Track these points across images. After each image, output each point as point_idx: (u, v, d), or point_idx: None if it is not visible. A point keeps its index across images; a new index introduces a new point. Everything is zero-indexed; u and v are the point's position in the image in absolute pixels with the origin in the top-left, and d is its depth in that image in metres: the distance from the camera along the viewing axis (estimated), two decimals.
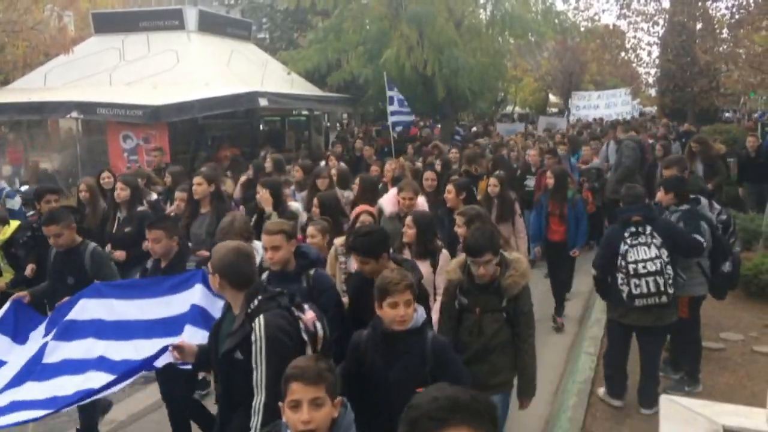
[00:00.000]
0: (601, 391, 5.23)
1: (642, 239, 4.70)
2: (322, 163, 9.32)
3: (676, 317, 4.89)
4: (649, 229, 4.73)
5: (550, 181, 6.92)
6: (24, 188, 9.79)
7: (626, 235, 4.75)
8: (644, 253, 4.66)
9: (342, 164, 8.97)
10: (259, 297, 2.95)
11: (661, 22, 21.24)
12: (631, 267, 4.66)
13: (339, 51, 15.19)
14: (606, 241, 5.03)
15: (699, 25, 20.50)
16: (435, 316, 4.27)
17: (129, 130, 11.76)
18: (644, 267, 4.63)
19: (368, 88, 16.16)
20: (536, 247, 7.30)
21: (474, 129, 21.31)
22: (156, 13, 15.12)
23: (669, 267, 4.66)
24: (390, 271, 3.25)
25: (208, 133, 14.66)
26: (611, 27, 23.81)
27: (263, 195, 5.85)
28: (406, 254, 4.51)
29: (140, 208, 6.18)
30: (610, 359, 5.11)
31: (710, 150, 8.76)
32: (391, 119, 12.62)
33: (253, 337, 2.85)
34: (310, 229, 4.79)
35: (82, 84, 13.22)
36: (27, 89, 13.35)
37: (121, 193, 6.04)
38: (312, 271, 3.76)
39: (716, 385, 5.35)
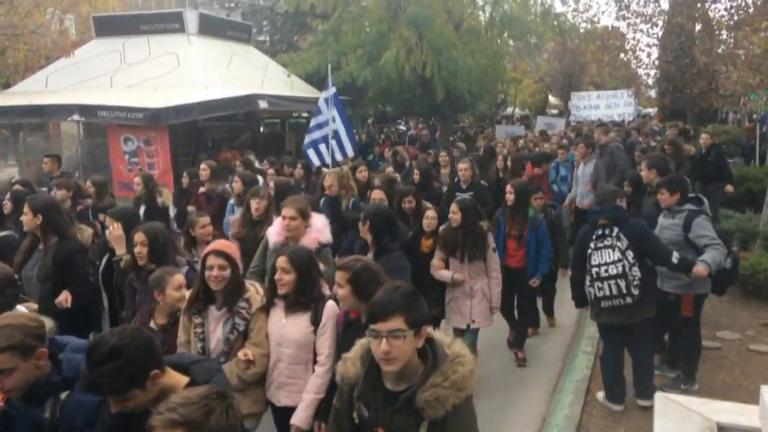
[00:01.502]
0: (600, 395, 5.26)
1: (607, 242, 4.76)
2: (261, 180, 8.05)
3: (652, 313, 4.93)
4: (615, 231, 4.76)
5: (510, 196, 6.03)
6: None
7: (593, 237, 4.81)
8: (607, 257, 4.72)
9: (279, 178, 7.85)
10: None
11: (660, 23, 21.26)
12: (594, 271, 4.77)
13: (338, 53, 15.25)
14: (578, 241, 5.13)
15: (698, 27, 20.53)
16: (303, 414, 3.40)
17: (130, 133, 11.81)
18: (606, 270, 4.71)
19: (368, 90, 16.22)
20: None
21: (458, 134, 21.12)
22: (157, 17, 15.16)
23: (635, 268, 4.69)
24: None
25: (208, 135, 14.70)
26: (610, 28, 23.84)
27: (114, 230, 4.60)
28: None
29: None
30: (606, 361, 5.14)
31: (681, 152, 8.82)
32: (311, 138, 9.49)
33: None
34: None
35: (83, 87, 13.27)
36: (28, 92, 13.41)
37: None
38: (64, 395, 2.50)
39: (712, 383, 5.39)
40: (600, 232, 4.80)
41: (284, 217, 4.55)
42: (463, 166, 7.90)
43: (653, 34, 21.77)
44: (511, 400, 5.47)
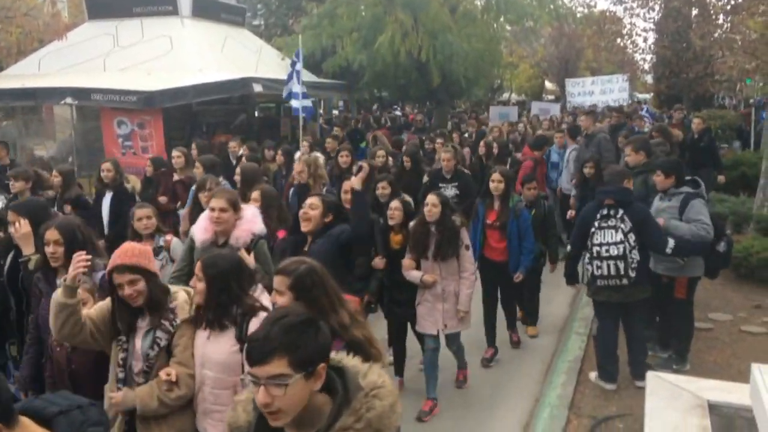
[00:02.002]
0: (593, 375, 5.30)
1: (611, 222, 4.80)
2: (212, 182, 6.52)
3: (648, 293, 4.99)
4: (620, 212, 4.80)
5: (500, 185, 5.61)
6: None
7: (598, 216, 4.84)
8: (610, 237, 4.77)
9: (246, 163, 7.08)
10: None
11: (656, 7, 21.20)
12: (595, 249, 4.81)
13: (333, 37, 15.17)
14: (581, 218, 5.17)
15: (695, 11, 20.47)
16: None
17: (123, 116, 11.72)
18: (607, 251, 4.77)
19: (363, 74, 16.15)
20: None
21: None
22: None
23: (635, 251, 4.75)
24: None
25: (202, 119, 14.62)
26: (607, 13, 23.73)
27: (19, 228, 3.91)
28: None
29: None
30: (600, 340, 5.17)
31: (670, 138, 8.78)
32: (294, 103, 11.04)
33: None
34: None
35: (76, 70, 13.16)
36: (21, 75, 13.29)
37: None
38: None
39: (703, 363, 5.44)
40: (605, 211, 4.84)
41: (213, 209, 4.07)
42: (445, 155, 7.46)
43: (650, 18, 21.71)
44: (505, 382, 5.50)
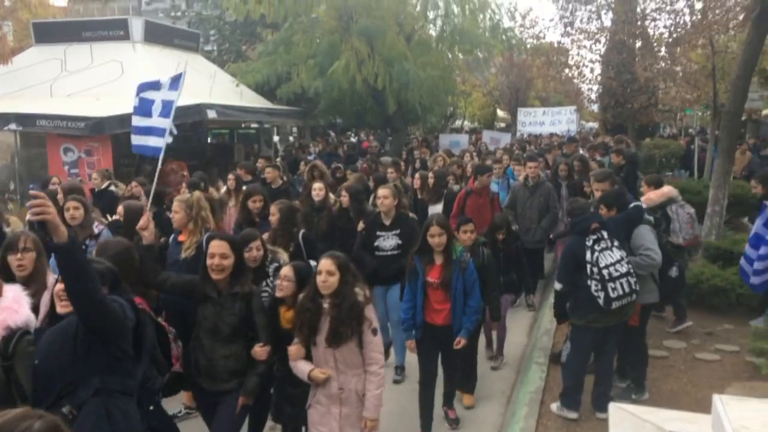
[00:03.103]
0: (554, 406, 5.25)
1: (603, 244, 4.85)
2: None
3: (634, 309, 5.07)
4: (606, 234, 4.87)
5: (440, 239, 4.64)
6: None
7: (589, 243, 4.86)
8: (611, 257, 4.82)
9: (130, 202, 6.30)
10: None
11: (602, 40, 21.91)
12: (605, 272, 4.77)
13: (289, 64, 15.13)
14: (568, 253, 5.08)
15: (639, 44, 21.27)
16: None
17: (70, 143, 11.37)
18: (616, 270, 4.79)
19: (319, 101, 16.13)
20: (410, 339, 4.88)
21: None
22: (100, 23, 14.74)
23: (631, 266, 4.87)
24: None
25: None
26: (556, 45, 24.45)
27: None
28: None
29: None
30: (574, 368, 5.13)
31: (589, 169, 8.98)
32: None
33: None
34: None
35: (21, 95, 12.75)
36: None
37: None
38: None
39: (661, 392, 5.48)
40: (595, 236, 4.87)
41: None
42: (383, 192, 5.86)
43: (596, 50, 22.43)
44: (466, 414, 5.42)
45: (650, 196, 6.43)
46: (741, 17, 14.32)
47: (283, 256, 4.78)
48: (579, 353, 5.09)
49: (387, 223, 5.86)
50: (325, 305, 3.64)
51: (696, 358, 6.13)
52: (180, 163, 12.60)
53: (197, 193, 5.56)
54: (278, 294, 3.94)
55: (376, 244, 5.81)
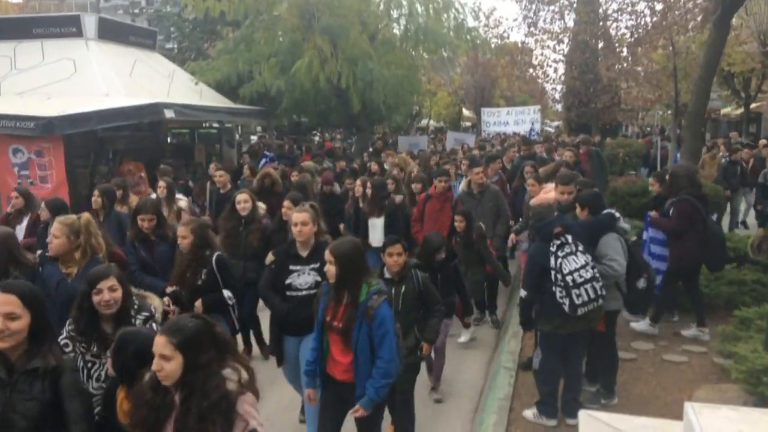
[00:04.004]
0: (529, 413, 5.11)
1: (567, 249, 4.70)
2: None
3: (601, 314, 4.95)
4: (570, 238, 4.74)
5: (331, 267, 3.64)
6: None
7: (553, 249, 4.72)
8: (575, 263, 4.67)
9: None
10: None
11: (566, 40, 22.16)
12: (569, 278, 4.63)
13: (250, 62, 14.76)
14: (532, 259, 4.95)
15: (601, 44, 21.52)
16: None
17: (19, 143, 10.84)
18: (580, 276, 4.65)
19: (281, 100, 15.81)
20: (309, 388, 3.99)
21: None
22: (51, 20, 14.14)
23: (596, 271, 4.74)
24: None
25: (109, 146, 13.80)
26: (520, 44, 24.60)
27: None
28: None
29: None
30: (548, 374, 5.01)
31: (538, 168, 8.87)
32: None
33: None
34: None
35: None
36: None
37: None
38: None
39: (630, 396, 5.39)
40: (558, 242, 4.71)
41: None
42: (299, 216, 4.50)
43: (560, 50, 22.66)
44: (434, 420, 5.25)
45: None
46: (699, 18, 14.53)
47: (155, 302, 3.66)
48: (550, 359, 4.95)
49: (303, 254, 4.54)
50: (170, 400, 2.56)
51: (664, 360, 6.07)
52: (137, 164, 12.17)
53: (86, 216, 4.46)
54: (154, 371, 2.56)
55: (288, 281, 4.54)
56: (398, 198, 7.76)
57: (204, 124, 17.81)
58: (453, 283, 5.62)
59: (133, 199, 7.43)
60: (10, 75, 12.79)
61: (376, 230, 7.47)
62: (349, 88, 14.66)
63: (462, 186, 8.09)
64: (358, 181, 7.86)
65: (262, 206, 6.69)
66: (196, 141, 17.52)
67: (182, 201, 7.89)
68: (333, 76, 14.34)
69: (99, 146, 13.43)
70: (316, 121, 20.38)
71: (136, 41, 15.10)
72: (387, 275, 4.58)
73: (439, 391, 5.77)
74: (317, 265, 4.44)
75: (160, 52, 17.47)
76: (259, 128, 26.03)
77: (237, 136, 20.10)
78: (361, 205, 7.70)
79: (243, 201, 6.27)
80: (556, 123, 38.83)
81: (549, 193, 6.35)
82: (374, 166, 10.46)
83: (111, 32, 14.05)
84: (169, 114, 11.83)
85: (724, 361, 5.62)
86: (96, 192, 6.77)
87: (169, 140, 17.47)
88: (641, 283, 5.17)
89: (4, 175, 10.86)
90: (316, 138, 26.81)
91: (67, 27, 13.49)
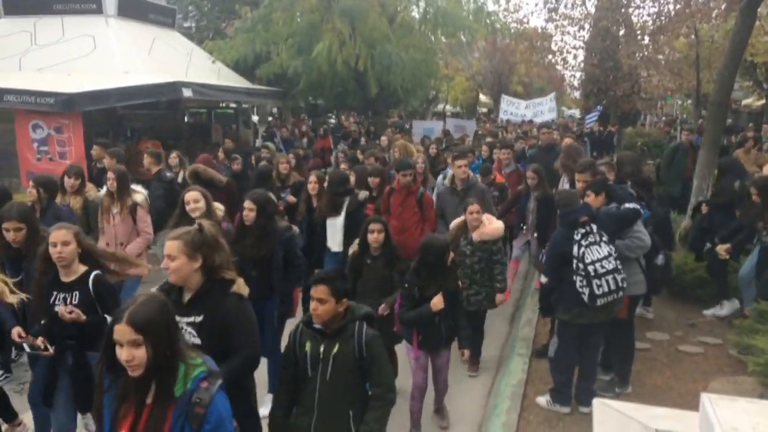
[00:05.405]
0: (542, 400, 5.12)
1: (591, 239, 4.68)
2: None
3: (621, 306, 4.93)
4: (595, 227, 4.71)
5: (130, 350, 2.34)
6: None
7: (577, 237, 4.69)
8: (598, 253, 4.65)
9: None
10: None
11: (586, 26, 21.86)
12: (590, 268, 4.61)
13: (268, 42, 14.74)
14: (554, 246, 4.91)
15: (622, 31, 21.21)
16: None
17: (39, 119, 10.92)
18: (602, 266, 4.63)
19: (298, 81, 15.78)
20: None
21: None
22: None
23: (619, 262, 4.71)
24: None
25: (127, 124, 13.88)
26: (539, 30, 24.31)
27: None
28: None
29: None
30: (563, 363, 5.00)
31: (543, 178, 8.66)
32: None
33: None
34: None
35: None
36: None
37: None
38: None
39: (645, 386, 5.39)
40: (583, 230, 4.70)
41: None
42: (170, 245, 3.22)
43: (580, 36, 22.37)
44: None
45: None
46: (723, 6, 14.27)
47: None
48: (566, 349, 4.95)
49: (184, 300, 3.04)
50: None
51: (679, 351, 6.05)
52: (155, 143, 12.23)
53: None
54: None
55: None
56: (362, 195, 6.51)
57: (221, 104, 17.85)
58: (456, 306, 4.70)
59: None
60: (30, 50, 12.86)
61: (336, 231, 6.21)
62: (366, 71, 14.63)
63: (446, 180, 7.17)
64: (312, 177, 6.65)
65: (219, 207, 5.30)
66: (213, 120, 17.57)
67: (139, 194, 6.24)
68: (351, 58, 14.29)
69: (118, 124, 13.52)
70: (333, 104, 20.33)
71: (156, 19, 15.11)
72: (315, 324, 3.12)
73: (444, 419, 5.11)
74: (200, 318, 2.97)
75: (179, 31, 17.47)
76: (275, 109, 26.02)
77: (254, 117, 20.11)
78: (314, 204, 6.54)
79: (193, 201, 4.88)
80: (571, 111, 38.43)
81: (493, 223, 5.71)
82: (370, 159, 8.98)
83: (130, 9, 14.06)
84: (187, 93, 11.87)
85: (742, 355, 5.58)
86: (31, 182, 5.77)
87: (186, 119, 17.52)
88: (660, 260, 5.19)
89: (24, 151, 10.97)
90: (332, 120, 26.77)
91: (87, 3, 13.52)
